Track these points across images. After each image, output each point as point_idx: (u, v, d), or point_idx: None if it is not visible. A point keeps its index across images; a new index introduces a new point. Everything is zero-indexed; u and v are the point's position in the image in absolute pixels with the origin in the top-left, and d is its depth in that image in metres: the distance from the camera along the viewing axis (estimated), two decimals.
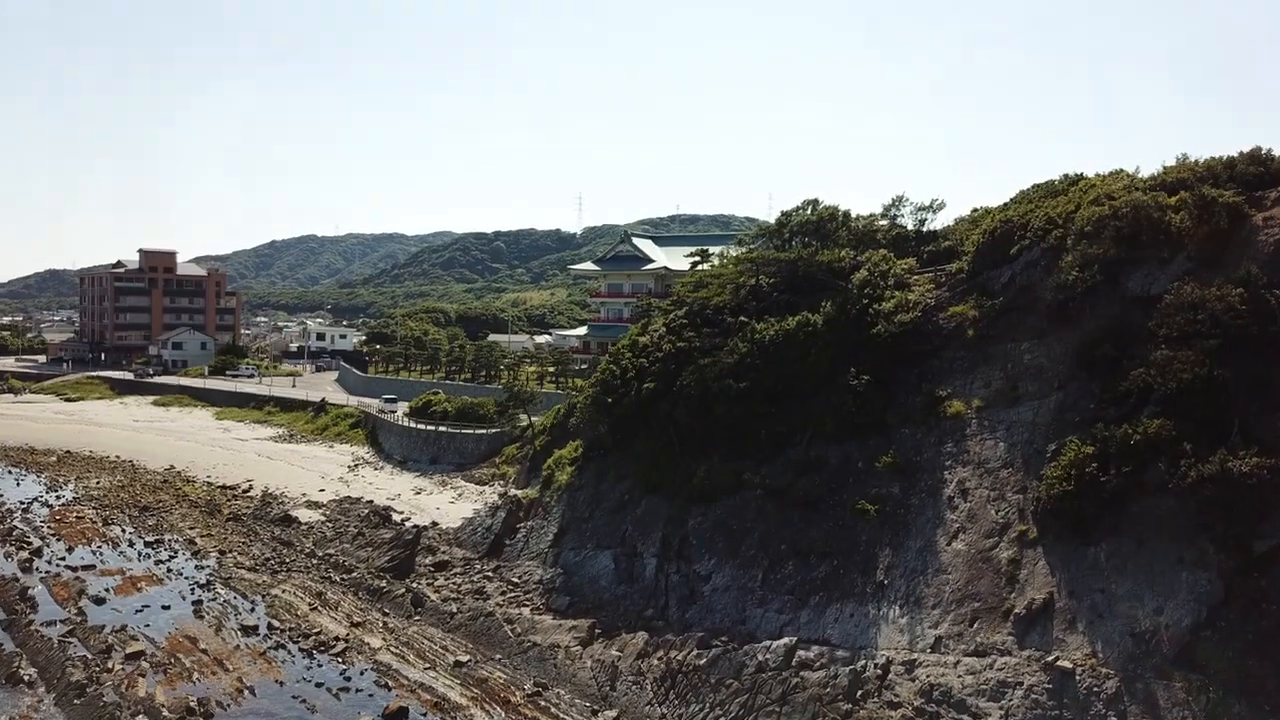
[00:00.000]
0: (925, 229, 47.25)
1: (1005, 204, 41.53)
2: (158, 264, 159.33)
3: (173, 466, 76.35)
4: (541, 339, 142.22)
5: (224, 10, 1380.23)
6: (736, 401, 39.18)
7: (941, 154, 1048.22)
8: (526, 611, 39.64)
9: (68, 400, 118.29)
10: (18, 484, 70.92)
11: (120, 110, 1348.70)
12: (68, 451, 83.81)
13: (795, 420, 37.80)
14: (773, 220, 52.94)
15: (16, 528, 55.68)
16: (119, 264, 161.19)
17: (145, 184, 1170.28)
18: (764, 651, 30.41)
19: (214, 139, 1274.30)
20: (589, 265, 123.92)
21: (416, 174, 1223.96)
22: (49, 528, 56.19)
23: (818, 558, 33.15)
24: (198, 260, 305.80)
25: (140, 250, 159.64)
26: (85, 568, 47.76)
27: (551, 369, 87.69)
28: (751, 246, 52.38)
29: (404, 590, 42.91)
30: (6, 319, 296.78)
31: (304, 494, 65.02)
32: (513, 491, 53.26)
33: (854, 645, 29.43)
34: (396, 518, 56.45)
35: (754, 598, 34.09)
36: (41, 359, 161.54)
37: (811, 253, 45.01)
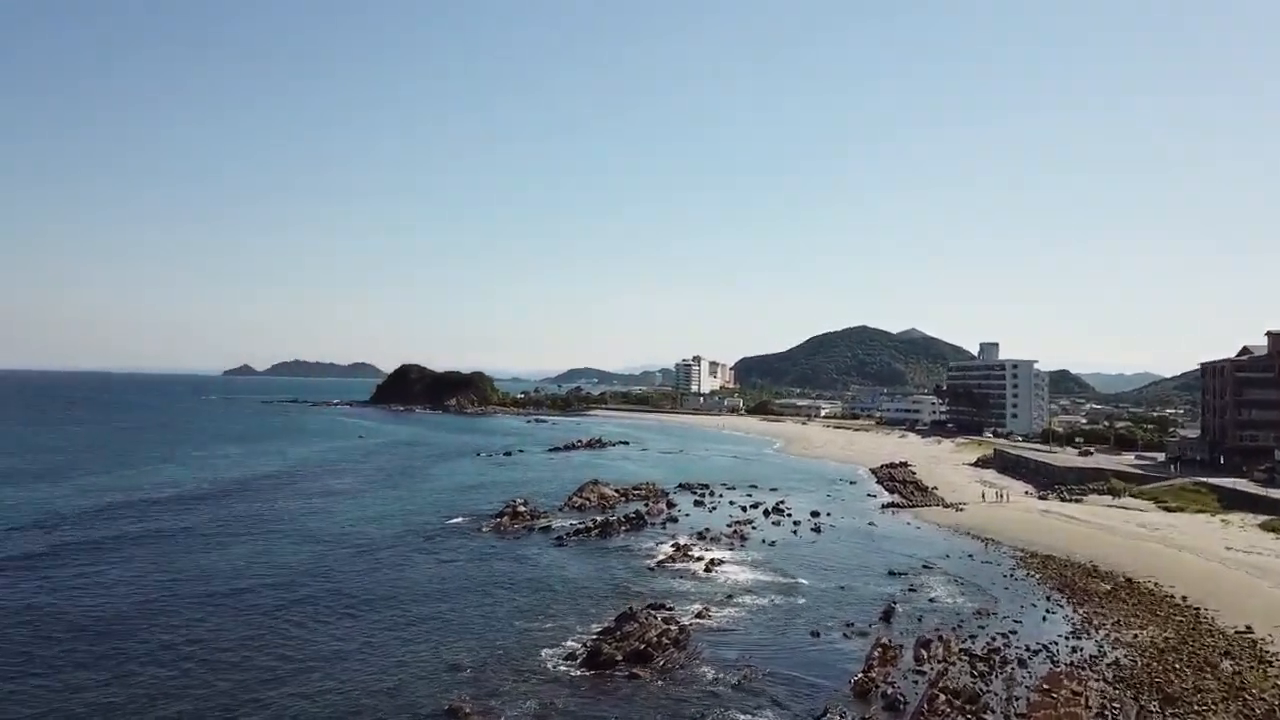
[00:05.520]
0: None
1: None
2: None
3: (1249, 628, 53.57)
4: None
5: None
6: None
7: None
8: None
9: (1164, 509, 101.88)
10: (1045, 617, 58.25)
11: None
12: (1127, 580, 68.00)
13: None
14: None
15: (993, 692, 42.81)
16: (1244, 351, 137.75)
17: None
18: None
19: None
20: None
21: None
22: (1027, 700, 41.73)
23: None
24: None
25: (1268, 333, 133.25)
26: None
27: None
28: None
29: None
30: (1168, 411, 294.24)
31: None
32: None
33: None
34: None
35: None
36: (1159, 457, 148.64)
37: None
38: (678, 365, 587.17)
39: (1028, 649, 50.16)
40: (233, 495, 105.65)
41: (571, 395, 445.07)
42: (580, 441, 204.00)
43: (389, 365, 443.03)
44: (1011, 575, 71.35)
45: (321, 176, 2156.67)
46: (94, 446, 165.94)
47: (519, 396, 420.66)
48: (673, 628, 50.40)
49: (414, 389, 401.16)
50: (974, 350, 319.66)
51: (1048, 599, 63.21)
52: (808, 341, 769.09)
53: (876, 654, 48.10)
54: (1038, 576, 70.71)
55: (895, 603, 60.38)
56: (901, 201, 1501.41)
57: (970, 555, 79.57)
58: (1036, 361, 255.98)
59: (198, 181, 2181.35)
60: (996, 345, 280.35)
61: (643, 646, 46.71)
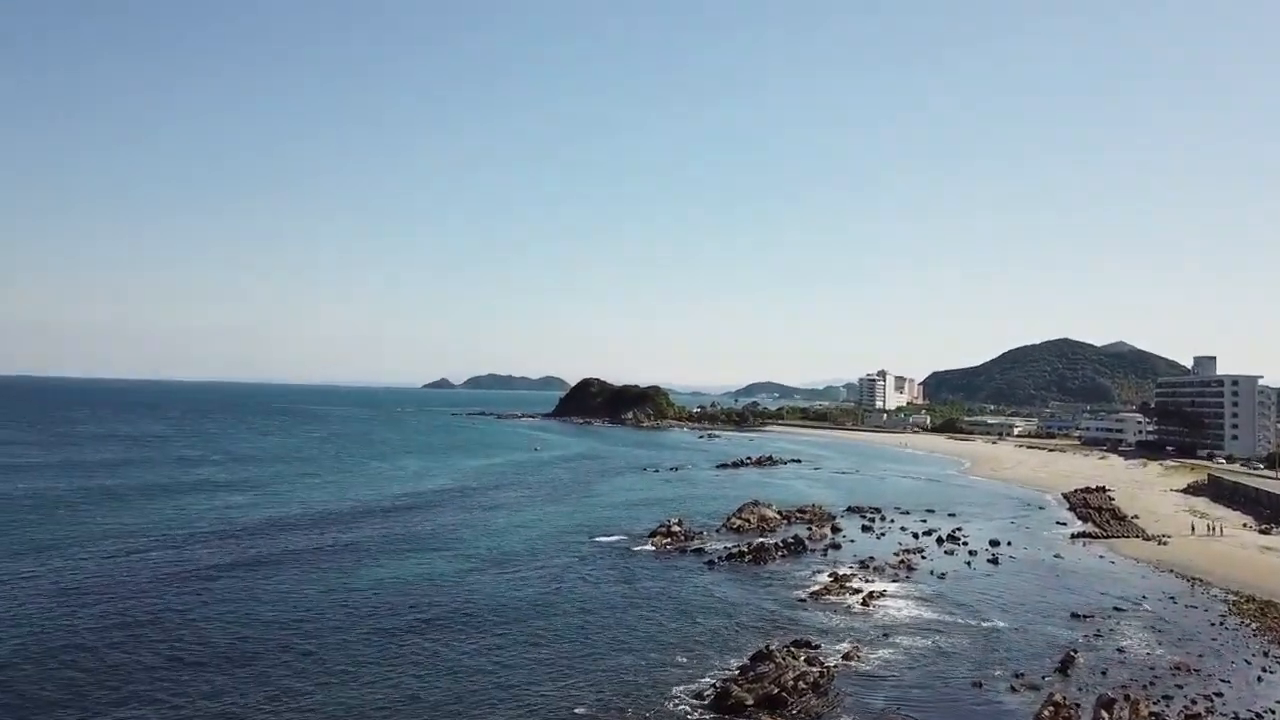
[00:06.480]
0: None
1: None
2: None
3: None
4: None
5: None
6: None
7: None
8: None
9: None
10: (1260, 678, 50.08)
11: None
12: None
13: None
14: None
15: None
16: None
17: None
18: None
19: None
20: None
21: None
22: None
23: None
24: None
25: None
26: None
27: None
28: None
29: None
30: None
31: None
32: None
33: None
34: None
35: None
36: None
37: None
38: (861, 380, 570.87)
39: (1237, 717, 42.99)
40: (400, 509, 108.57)
41: (747, 410, 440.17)
42: (750, 459, 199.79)
43: (577, 378, 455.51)
44: (1221, 624, 62.41)
45: (511, 193, 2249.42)
46: (284, 457, 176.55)
47: (694, 411, 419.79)
48: (814, 670, 46.38)
49: (594, 402, 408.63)
50: (1189, 365, 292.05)
51: (1265, 655, 54.59)
52: (1003, 355, 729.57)
53: (1047, 713, 42.35)
54: (1254, 626, 61.55)
55: (1076, 651, 53.61)
56: (1108, 206, 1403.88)
57: (1171, 597, 70.52)
58: (1261, 376, 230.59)
59: (425, 221, 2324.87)
60: (1214, 359, 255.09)
61: (776, 690, 43.05)
